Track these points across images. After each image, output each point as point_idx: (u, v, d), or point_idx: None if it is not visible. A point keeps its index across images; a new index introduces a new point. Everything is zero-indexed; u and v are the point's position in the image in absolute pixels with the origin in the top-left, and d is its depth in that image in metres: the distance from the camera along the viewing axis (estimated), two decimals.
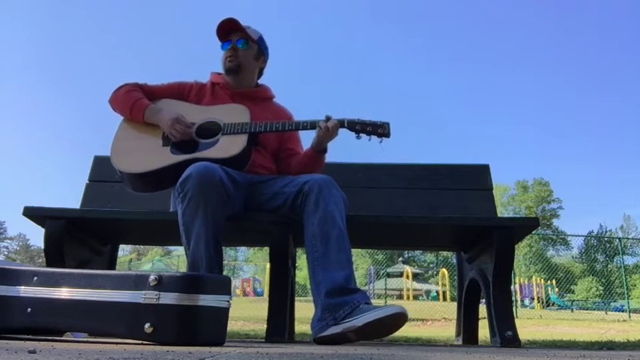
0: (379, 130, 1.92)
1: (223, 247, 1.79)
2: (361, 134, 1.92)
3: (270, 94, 2.23)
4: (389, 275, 17.91)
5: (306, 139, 2.13)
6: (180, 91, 2.13)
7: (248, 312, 7.79)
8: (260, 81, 2.25)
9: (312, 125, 1.96)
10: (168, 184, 1.93)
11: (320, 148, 2.01)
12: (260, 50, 2.17)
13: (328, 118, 1.94)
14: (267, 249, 1.99)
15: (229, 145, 1.90)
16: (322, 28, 61.26)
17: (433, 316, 9.55)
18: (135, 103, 2.01)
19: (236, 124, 1.95)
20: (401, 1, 57.21)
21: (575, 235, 45.65)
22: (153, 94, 2.10)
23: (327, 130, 1.92)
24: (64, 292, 1.35)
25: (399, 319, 1.55)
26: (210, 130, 1.96)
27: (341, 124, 1.94)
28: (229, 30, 2.11)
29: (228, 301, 1.35)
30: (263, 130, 1.95)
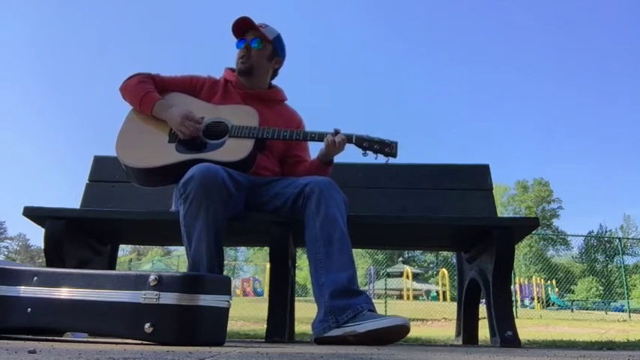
0: (386, 149, 1.91)
1: (223, 247, 1.79)
2: (368, 151, 1.92)
3: (282, 97, 2.20)
4: (389, 275, 17.90)
5: (314, 146, 2.13)
6: (193, 86, 2.11)
7: (248, 312, 7.79)
8: (274, 82, 2.22)
9: (319, 137, 1.94)
10: (171, 181, 1.92)
11: (327, 160, 2.01)
12: (275, 51, 2.13)
13: (337, 132, 1.92)
14: (267, 249, 1.99)
15: (235, 149, 1.89)
16: (322, 29, 61.30)
17: (433, 316, 9.55)
18: (145, 95, 1.99)
19: (244, 127, 1.93)
20: (400, 2, 57.22)
21: (575, 235, 45.73)
22: (165, 85, 2.08)
23: (334, 145, 1.91)
24: (64, 292, 1.35)
25: (401, 331, 1.55)
26: (217, 131, 1.95)
27: (349, 139, 1.93)
28: (245, 28, 2.09)
29: (228, 301, 1.35)
30: (270, 137, 1.93)
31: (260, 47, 2.08)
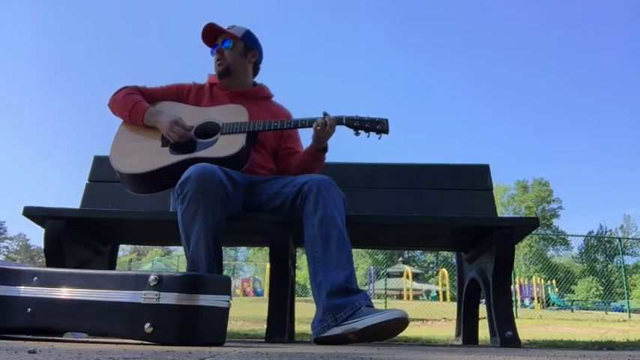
0: (378, 126, 1.92)
1: (223, 247, 1.80)
2: (360, 131, 1.92)
3: (268, 93, 2.23)
4: (389, 275, 17.91)
5: (306, 138, 2.14)
6: (179, 93, 2.14)
7: (248, 312, 7.79)
8: (260, 80, 2.25)
9: (310, 123, 1.96)
10: (168, 184, 1.93)
11: (320, 147, 2.01)
12: (247, 45, 2.15)
13: (326, 115, 1.94)
14: (267, 249, 1.99)
15: (228, 145, 1.90)
16: (322, 26, 61.31)
17: (433, 316, 9.55)
18: (134, 106, 2.02)
19: (234, 123, 1.95)
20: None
21: (575, 235, 45.63)
22: (152, 96, 2.10)
23: (325, 127, 1.92)
24: (64, 292, 1.35)
25: (400, 324, 1.55)
26: (209, 131, 1.97)
27: (339, 121, 1.94)
28: (214, 35, 2.13)
29: (228, 301, 1.35)
30: (261, 129, 1.95)
31: (231, 46, 2.11)
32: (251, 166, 1.95)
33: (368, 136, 1.93)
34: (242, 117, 1.99)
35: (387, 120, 1.93)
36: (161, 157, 1.92)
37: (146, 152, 1.96)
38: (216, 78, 2.17)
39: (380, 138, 1.93)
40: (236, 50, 2.13)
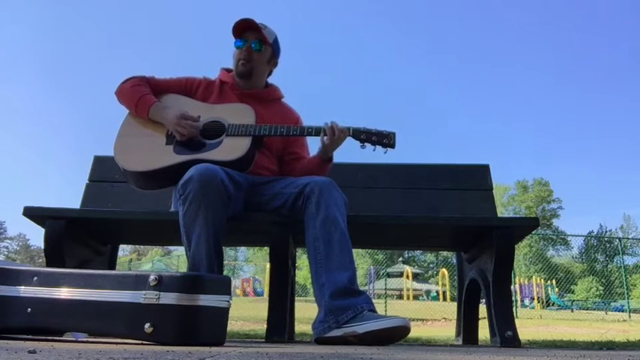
0: (384, 140, 1.89)
1: (223, 247, 1.80)
2: (366, 144, 1.90)
3: (278, 95, 2.19)
4: (389, 275, 17.91)
5: (312, 143, 2.12)
6: (188, 87, 2.11)
7: (248, 312, 7.79)
8: (269, 79, 2.21)
9: (317, 131, 1.94)
10: (171, 183, 1.92)
11: (326, 157, 1.99)
12: (273, 53, 2.13)
13: (333, 124, 1.91)
14: (267, 249, 1.99)
15: (233, 148, 1.89)
16: (323, 27, 61.30)
17: (433, 316, 9.55)
18: (140, 98, 1.99)
19: (240, 125, 1.93)
20: (402, 1, 57.20)
21: (575, 235, 45.74)
22: (159, 87, 2.08)
23: (333, 137, 1.90)
24: (64, 292, 1.35)
25: (401, 331, 1.56)
26: (215, 130, 1.95)
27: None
28: (246, 28, 2.07)
29: (228, 301, 1.35)
30: (267, 134, 1.93)
31: (260, 50, 2.07)
32: (254, 167, 1.94)
33: (374, 150, 1.91)
34: (248, 118, 1.96)
35: (394, 134, 1.90)
36: (165, 156, 1.91)
37: (150, 149, 1.94)
38: (227, 75, 2.12)
39: (386, 152, 1.91)
40: (264, 55, 2.09)
